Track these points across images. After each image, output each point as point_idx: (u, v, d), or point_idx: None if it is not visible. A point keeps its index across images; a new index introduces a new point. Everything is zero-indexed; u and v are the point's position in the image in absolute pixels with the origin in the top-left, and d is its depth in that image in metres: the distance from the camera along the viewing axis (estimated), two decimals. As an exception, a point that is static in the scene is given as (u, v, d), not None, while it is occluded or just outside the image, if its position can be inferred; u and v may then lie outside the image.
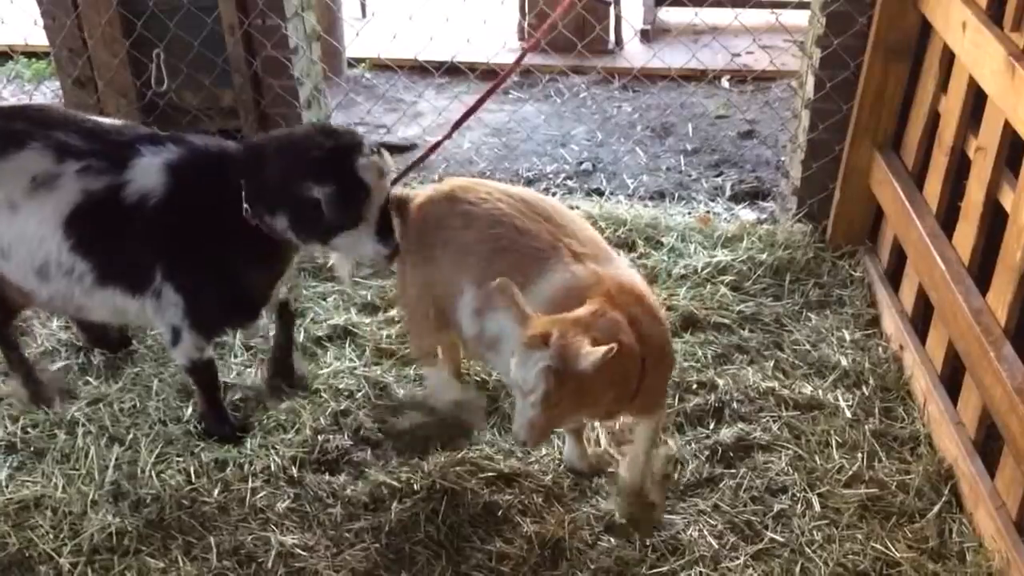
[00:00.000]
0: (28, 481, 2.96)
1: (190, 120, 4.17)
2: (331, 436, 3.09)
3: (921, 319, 3.39)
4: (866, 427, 3.14)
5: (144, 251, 2.79)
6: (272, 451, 3.04)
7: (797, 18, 5.51)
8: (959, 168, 3.22)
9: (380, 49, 4.95)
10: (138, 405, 3.25)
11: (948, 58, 3.26)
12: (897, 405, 3.26)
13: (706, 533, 2.80)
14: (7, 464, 3.02)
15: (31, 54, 6.05)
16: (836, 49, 3.68)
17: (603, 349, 2.21)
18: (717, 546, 2.76)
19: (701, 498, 2.91)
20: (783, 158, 4.39)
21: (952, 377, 3.12)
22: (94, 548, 2.75)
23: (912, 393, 3.29)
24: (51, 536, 2.79)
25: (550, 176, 4.90)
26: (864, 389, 3.30)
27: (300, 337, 3.49)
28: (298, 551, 2.74)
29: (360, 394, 3.26)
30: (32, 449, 3.07)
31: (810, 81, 3.86)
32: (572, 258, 2.59)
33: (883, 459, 3.04)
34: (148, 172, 2.73)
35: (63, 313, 3.45)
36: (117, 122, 3.07)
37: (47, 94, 5.77)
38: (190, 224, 2.77)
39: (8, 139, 2.77)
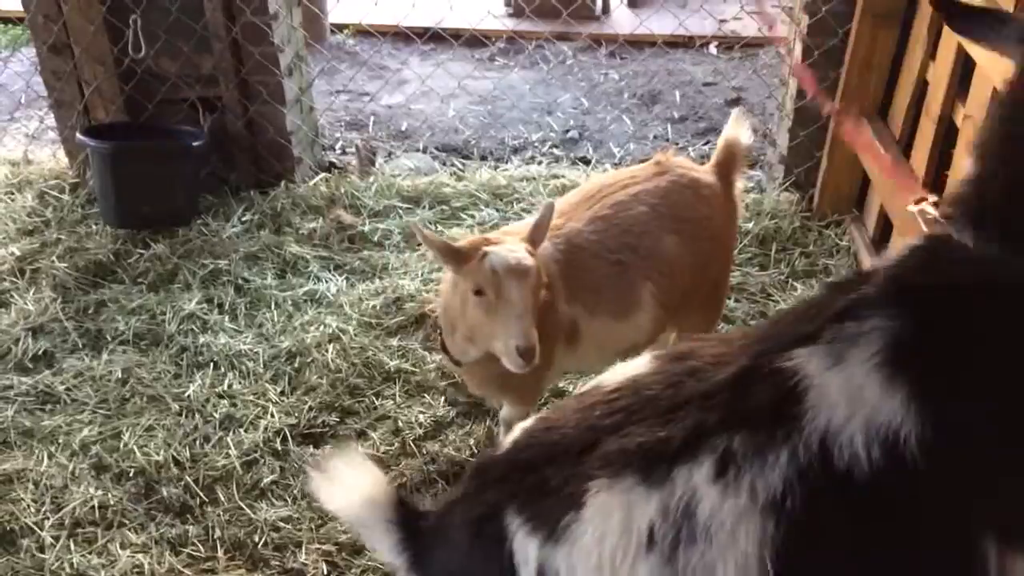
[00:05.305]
0: (10, 455, 2.94)
1: (169, 88, 4.10)
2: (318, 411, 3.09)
3: (907, 288, 3.38)
4: (851, 396, 3.14)
5: None
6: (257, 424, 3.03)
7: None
8: (947, 136, 3.21)
9: (363, 15, 4.88)
10: (120, 377, 3.22)
11: (937, 25, 3.22)
12: (882, 374, 3.26)
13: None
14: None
15: (6, 20, 5.97)
16: (824, 15, 3.64)
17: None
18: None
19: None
20: (770, 126, 4.36)
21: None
22: (76, 521, 2.74)
23: (897, 362, 3.29)
24: (33, 510, 2.77)
25: (536, 144, 4.85)
26: (849, 358, 3.30)
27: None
28: (281, 524, 2.73)
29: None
30: (15, 424, 3.05)
31: (798, 48, 3.82)
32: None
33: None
34: None
35: None
36: None
37: (23, 61, 5.68)
38: None
39: None
